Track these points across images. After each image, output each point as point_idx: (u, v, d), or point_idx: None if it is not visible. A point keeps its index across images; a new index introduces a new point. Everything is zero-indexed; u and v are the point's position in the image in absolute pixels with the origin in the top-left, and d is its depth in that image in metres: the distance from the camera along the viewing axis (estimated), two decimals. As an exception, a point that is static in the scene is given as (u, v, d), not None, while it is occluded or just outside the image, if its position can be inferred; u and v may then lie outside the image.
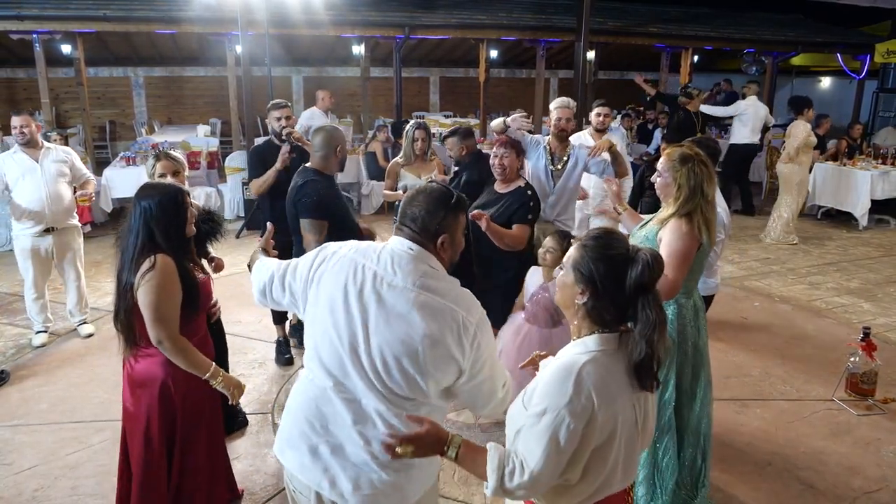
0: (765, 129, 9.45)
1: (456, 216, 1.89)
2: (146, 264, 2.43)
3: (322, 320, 1.86)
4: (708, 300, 3.77)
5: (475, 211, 3.53)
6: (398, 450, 1.61)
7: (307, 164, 3.67)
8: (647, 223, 2.86)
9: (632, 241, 2.82)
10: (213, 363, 2.61)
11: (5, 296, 5.88)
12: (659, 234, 2.65)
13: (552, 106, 4.57)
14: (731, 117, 9.32)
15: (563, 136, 4.39)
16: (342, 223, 3.56)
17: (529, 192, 3.82)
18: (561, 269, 1.69)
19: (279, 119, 4.62)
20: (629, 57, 15.38)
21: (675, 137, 8.27)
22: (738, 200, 9.34)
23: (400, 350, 1.74)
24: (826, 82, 17.86)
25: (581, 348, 1.60)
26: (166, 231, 2.49)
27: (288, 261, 2.07)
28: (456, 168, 4.71)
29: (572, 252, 1.66)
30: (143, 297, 2.42)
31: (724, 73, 15.53)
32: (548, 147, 4.36)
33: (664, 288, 2.48)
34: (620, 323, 1.61)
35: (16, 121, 4.65)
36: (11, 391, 4.27)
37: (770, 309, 5.78)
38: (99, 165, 9.88)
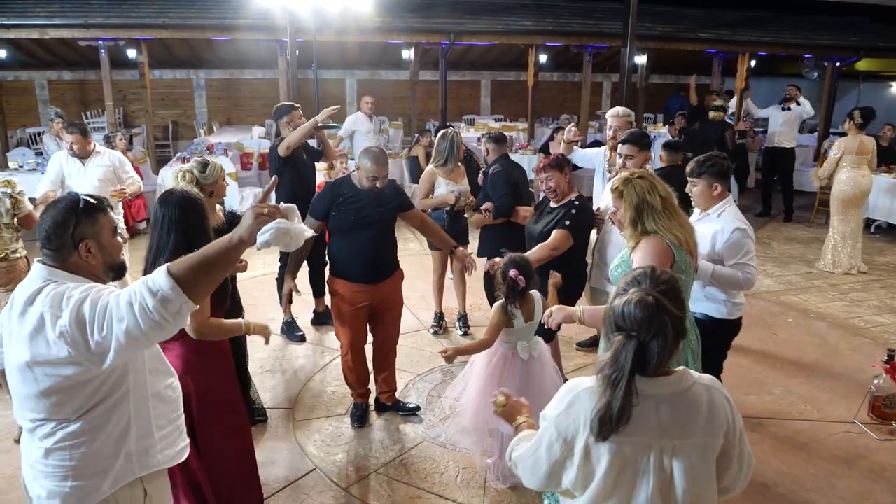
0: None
1: (93, 220, 1.88)
2: None
3: None
4: (736, 325, 3.48)
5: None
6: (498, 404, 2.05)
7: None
8: None
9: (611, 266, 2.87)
10: (240, 320, 2.91)
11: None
12: (631, 257, 2.64)
13: (606, 115, 4.68)
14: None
15: (615, 144, 4.48)
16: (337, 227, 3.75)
17: (577, 203, 3.90)
18: None
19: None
20: (682, 61, 15.08)
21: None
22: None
23: (22, 366, 1.79)
24: (897, 88, 17.06)
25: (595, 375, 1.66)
26: (189, 231, 2.66)
27: None
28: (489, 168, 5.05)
29: None
30: None
31: (784, 78, 15.05)
32: (607, 156, 4.46)
33: None
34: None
35: (69, 138, 5.13)
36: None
37: (804, 325, 5.64)
38: (160, 164, 10.39)
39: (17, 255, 4.35)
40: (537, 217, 4.07)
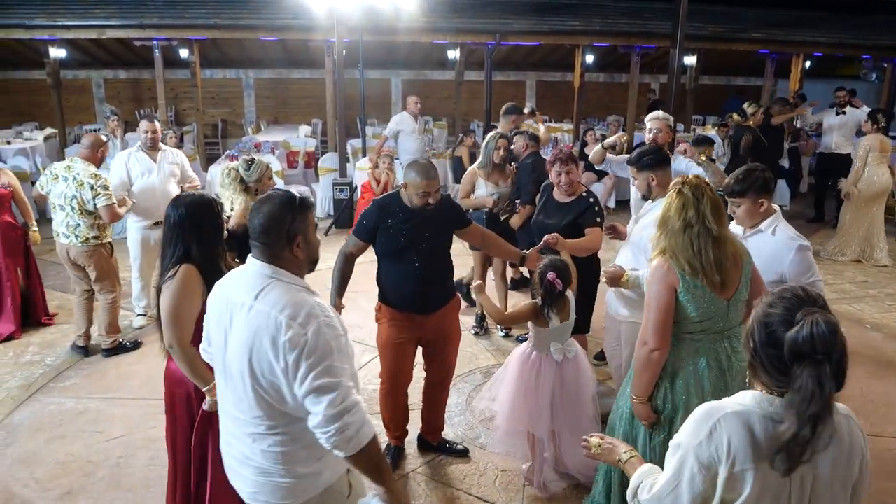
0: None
1: (305, 216, 1.97)
2: (171, 271, 2.60)
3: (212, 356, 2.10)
4: None
5: (549, 237, 3.54)
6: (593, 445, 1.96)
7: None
8: None
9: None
10: (209, 378, 2.53)
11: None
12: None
13: (646, 119, 4.60)
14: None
15: None
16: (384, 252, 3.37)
17: (592, 199, 3.95)
18: None
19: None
20: (734, 62, 14.72)
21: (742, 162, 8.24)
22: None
23: (244, 364, 1.88)
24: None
25: (738, 398, 1.57)
26: (198, 239, 2.63)
27: None
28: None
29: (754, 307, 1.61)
30: (163, 301, 2.59)
31: (841, 80, 14.57)
32: None
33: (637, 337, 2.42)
34: (785, 387, 1.50)
35: (146, 126, 5.29)
36: (110, 367, 4.76)
37: (858, 336, 5.44)
38: (209, 161, 10.63)
39: (98, 241, 4.67)
40: (546, 212, 4.07)
